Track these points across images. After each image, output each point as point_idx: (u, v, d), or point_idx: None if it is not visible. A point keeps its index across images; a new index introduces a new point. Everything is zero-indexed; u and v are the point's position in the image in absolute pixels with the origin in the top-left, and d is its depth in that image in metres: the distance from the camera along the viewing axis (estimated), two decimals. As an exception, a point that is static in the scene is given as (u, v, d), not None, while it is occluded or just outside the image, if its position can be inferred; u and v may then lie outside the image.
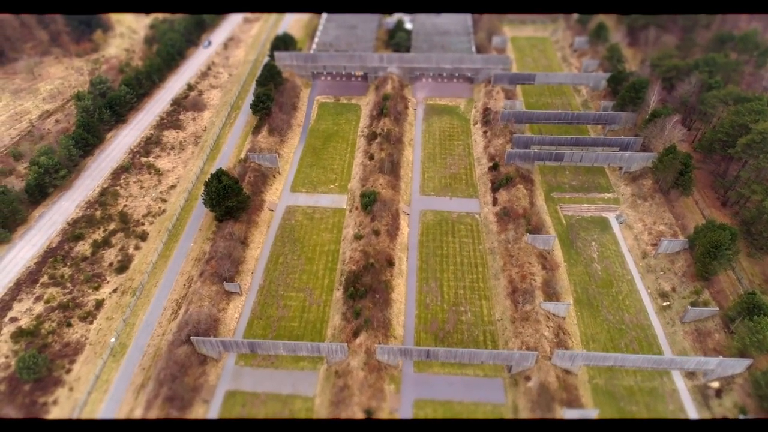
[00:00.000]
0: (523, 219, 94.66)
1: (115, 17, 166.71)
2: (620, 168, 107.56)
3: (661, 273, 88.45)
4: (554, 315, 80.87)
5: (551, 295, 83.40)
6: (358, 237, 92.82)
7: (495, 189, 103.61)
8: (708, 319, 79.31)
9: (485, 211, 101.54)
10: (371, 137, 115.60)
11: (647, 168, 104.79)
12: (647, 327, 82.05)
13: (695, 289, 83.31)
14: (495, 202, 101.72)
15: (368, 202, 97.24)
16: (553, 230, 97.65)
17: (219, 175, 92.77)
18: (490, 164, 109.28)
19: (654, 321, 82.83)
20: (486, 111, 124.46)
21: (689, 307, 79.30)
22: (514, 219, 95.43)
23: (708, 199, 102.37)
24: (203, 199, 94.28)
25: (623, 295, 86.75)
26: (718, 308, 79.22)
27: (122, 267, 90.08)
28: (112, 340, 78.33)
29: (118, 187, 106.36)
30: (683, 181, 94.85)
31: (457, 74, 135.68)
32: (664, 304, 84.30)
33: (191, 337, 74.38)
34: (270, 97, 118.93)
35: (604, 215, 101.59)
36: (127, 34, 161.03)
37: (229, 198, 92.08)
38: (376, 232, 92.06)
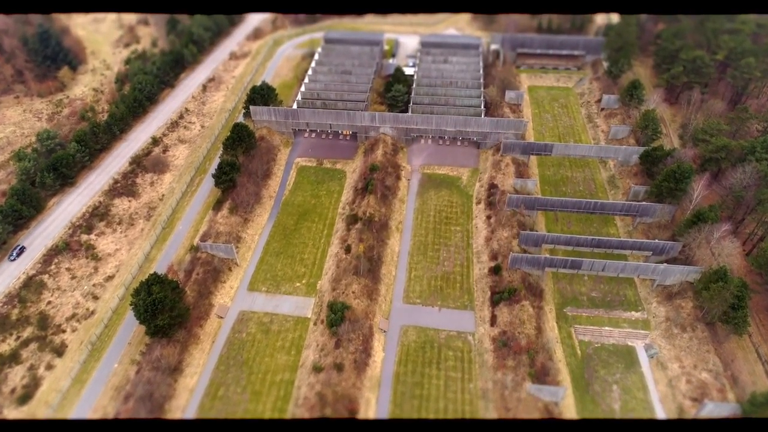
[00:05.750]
0: (527, 355, 75.14)
1: (90, 49, 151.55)
2: (653, 279, 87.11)
3: (703, 445, 67.82)
4: None
5: (556, 478, 63.61)
6: (317, 369, 74.41)
7: (495, 302, 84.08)
8: None
9: (481, 333, 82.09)
10: (352, 220, 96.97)
11: (687, 283, 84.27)
12: None
13: (750, 483, 62.63)
14: (493, 320, 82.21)
15: (335, 319, 78.70)
16: (564, 364, 77.97)
17: (150, 284, 75.43)
18: (492, 265, 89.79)
19: None
20: (492, 188, 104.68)
21: None
22: (515, 353, 75.91)
23: (767, 332, 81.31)
24: (132, 311, 77.05)
25: (652, 474, 66.42)
26: None
27: (25, 396, 73.31)
28: None
29: (46, 276, 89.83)
30: (735, 318, 74.12)
31: (461, 137, 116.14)
32: (707, 496, 63.72)
33: None
34: (235, 167, 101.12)
35: (630, 343, 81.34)
36: (100, 69, 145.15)
37: (161, 314, 74.50)
38: (339, 367, 73.51)
